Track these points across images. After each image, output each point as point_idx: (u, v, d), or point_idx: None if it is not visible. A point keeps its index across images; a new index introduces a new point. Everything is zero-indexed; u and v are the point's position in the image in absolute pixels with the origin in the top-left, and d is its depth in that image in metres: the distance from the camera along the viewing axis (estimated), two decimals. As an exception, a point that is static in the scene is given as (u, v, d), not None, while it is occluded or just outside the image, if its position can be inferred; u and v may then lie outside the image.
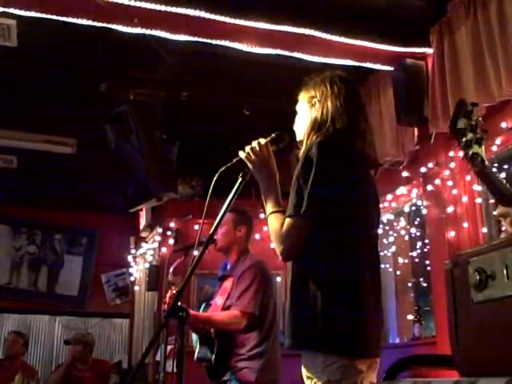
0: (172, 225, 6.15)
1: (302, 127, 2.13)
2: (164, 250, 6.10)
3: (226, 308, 3.40)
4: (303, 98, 2.15)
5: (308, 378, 1.90)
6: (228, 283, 3.50)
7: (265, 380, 3.34)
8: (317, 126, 2.03)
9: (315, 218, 1.87)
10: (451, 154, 4.22)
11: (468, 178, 4.18)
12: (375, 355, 1.90)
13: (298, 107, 2.19)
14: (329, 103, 2.03)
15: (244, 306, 3.31)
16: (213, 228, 2.01)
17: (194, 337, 3.61)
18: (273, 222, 1.95)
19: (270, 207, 1.99)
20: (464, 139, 1.80)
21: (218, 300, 3.50)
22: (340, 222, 1.91)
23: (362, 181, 2.04)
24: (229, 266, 3.64)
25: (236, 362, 3.33)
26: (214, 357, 3.32)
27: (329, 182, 1.90)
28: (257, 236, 5.72)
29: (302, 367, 1.93)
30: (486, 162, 1.81)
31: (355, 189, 1.97)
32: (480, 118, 1.84)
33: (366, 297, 1.88)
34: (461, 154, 1.94)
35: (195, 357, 3.47)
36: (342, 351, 1.81)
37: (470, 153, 1.79)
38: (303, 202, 1.87)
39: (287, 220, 1.90)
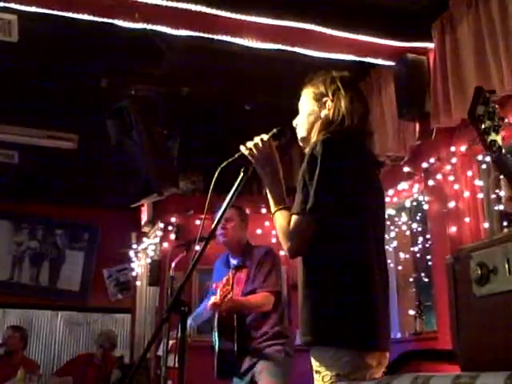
0: (173, 220, 6.17)
1: (306, 123, 2.12)
2: (165, 245, 6.12)
3: (247, 293, 3.63)
4: (308, 93, 2.14)
5: (317, 371, 1.90)
6: (242, 274, 3.71)
7: (294, 355, 3.63)
8: (327, 125, 2.04)
9: (321, 215, 1.87)
10: (453, 149, 4.22)
11: (469, 173, 4.18)
12: (385, 349, 1.92)
13: (302, 103, 2.17)
14: (342, 103, 2.04)
15: (272, 286, 3.63)
16: (214, 223, 2.01)
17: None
18: (279, 220, 1.96)
19: (275, 204, 2.00)
20: (483, 126, 1.78)
21: (236, 289, 3.67)
22: (347, 219, 1.91)
23: (368, 178, 2.05)
24: (233, 260, 3.80)
25: (260, 343, 3.55)
26: (235, 346, 3.49)
27: (334, 179, 1.89)
28: (258, 231, 5.73)
29: (312, 360, 1.93)
30: (503, 150, 1.79)
31: (361, 186, 1.97)
32: (497, 106, 1.82)
33: (375, 292, 1.89)
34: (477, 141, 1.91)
35: (216, 350, 3.60)
36: (353, 345, 1.83)
37: (489, 140, 1.78)
38: (309, 199, 1.87)
39: (294, 217, 1.91)
